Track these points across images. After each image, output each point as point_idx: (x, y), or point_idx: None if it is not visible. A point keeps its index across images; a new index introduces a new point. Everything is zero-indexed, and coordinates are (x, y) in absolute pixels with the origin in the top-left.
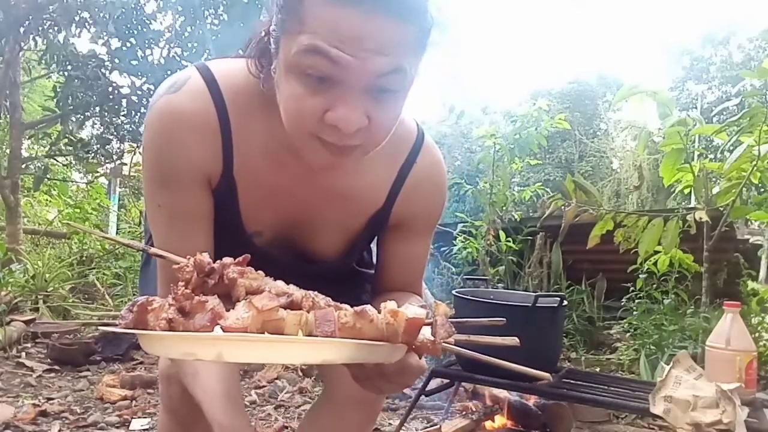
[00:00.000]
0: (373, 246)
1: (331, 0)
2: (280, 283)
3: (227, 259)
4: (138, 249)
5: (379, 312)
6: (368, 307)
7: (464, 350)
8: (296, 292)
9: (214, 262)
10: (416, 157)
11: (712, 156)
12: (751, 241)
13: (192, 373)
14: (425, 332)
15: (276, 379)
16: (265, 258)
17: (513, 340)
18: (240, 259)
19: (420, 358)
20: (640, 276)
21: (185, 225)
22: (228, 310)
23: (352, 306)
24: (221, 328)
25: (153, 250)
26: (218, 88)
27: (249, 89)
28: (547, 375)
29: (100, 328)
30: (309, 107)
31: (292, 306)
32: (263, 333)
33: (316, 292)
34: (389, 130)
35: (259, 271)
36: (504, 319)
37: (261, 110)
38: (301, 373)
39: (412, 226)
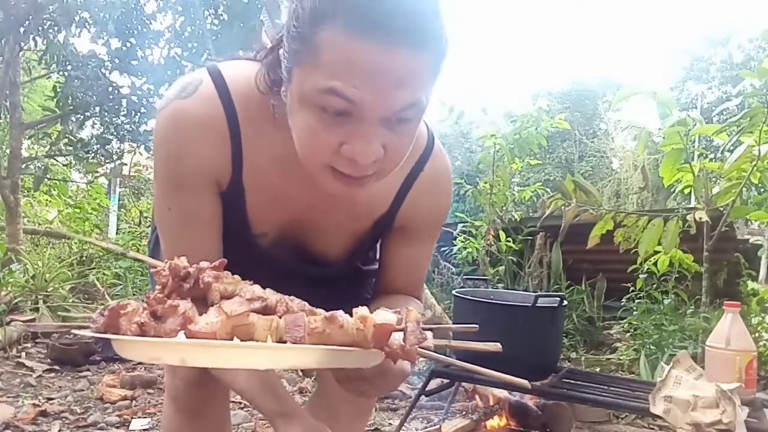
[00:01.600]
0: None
1: (346, 35)
2: (257, 288)
3: (203, 263)
4: (117, 253)
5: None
6: (339, 312)
7: (440, 356)
8: (271, 297)
9: (191, 266)
10: (425, 162)
11: (712, 156)
12: (751, 241)
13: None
14: (398, 338)
15: None
16: (268, 259)
17: (495, 346)
18: (216, 263)
19: (395, 363)
20: (640, 276)
21: (195, 228)
22: (203, 315)
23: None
24: (188, 332)
25: (131, 254)
26: (229, 94)
27: (260, 96)
28: (524, 382)
29: (73, 330)
30: (324, 141)
31: (266, 311)
32: (232, 338)
33: (292, 297)
34: (404, 156)
35: (235, 276)
36: (477, 325)
37: (271, 118)
38: (301, 373)
39: (415, 229)
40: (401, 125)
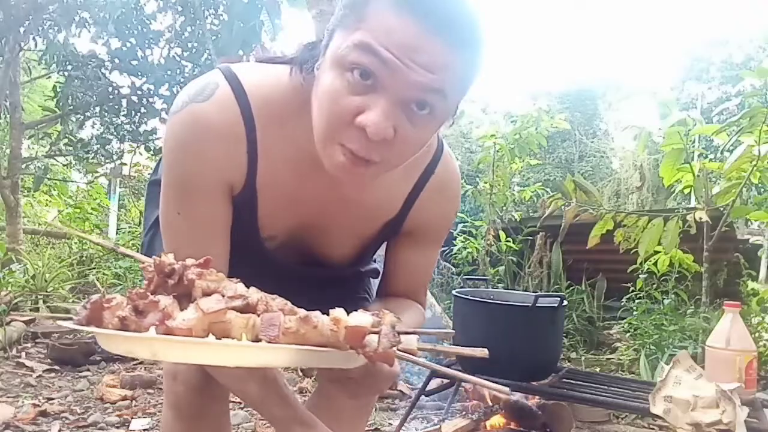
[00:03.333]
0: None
1: (396, 7)
2: (240, 286)
3: (189, 261)
4: (108, 249)
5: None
6: (314, 313)
7: (422, 360)
8: (253, 295)
9: (224, 275)
10: (435, 168)
11: (712, 156)
12: (751, 241)
13: (241, 378)
14: (374, 340)
15: None
16: (271, 262)
17: (482, 352)
18: (202, 260)
19: (373, 365)
20: (640, 276)
21: (204, 233)
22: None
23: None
24: (165, 328)
25: (122, 249)
26: (246, 98)
27: (277, 100)
28: (505, 389)
29: (59, 322)
30: (344, 104)
31: (247, 309)
32: (208, 334)
33: (274, 296)
34: (411, 154)
35: (220, 274)
36: (453, 331)
37: (287, 122)
38: (301, 373)
39: (422, 234)
40: (418, 114)
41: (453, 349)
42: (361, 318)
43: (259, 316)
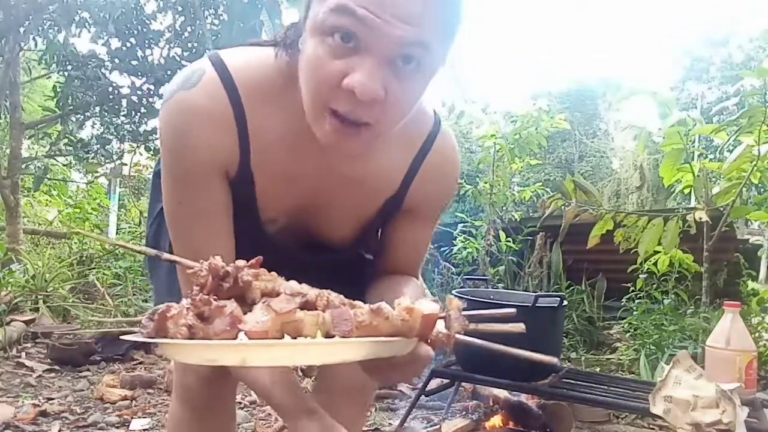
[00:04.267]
0: None
1: None
2: (293, 284)
3: (240, 262)
4: (151, 255)
5: (393, 308)
6: (383, 304)
7: (476, 340)
8: (310, 292)
9: (231, 262)
10: (432, 143)
11: (712, 156)
12: (751, 241)
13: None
14: (438, 325)
15: None
16: (273, 246)
17: (519, 326)
18: (253, 261)
19: (434, 350)
20: (640, 276)
21: (207, 221)
22: (244, 313)
23: (355, 298)
24: (244, 333)
25: (166, 256)
26: (232, 81)
27: (263, 80)
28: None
29: (123, 337)
30: (329, 69)
31: (307, 306)
32: (282, 335)
33: (329, 291)
34: (404, 113)
35: (272, 273)
36: (514, 309)
37: (276, 101)
38: (301, 374)
39: (420, 211)
40: (405, 70)
41: (491, 327)
42: (430, 305)
43: (323, 312)
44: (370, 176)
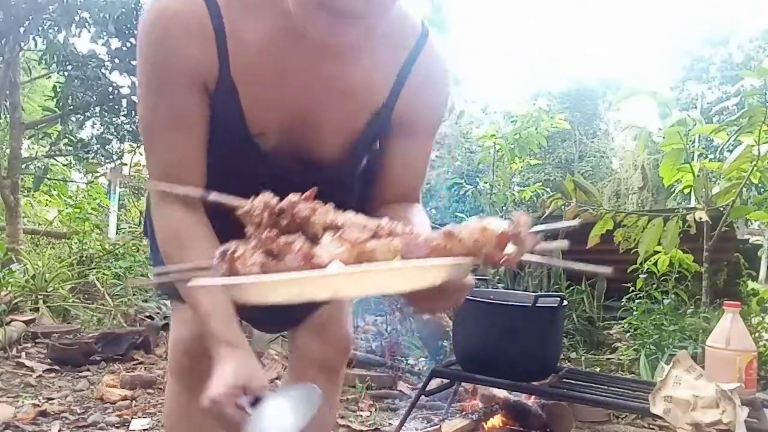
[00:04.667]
0: None
1: None
2: (350, 214)
3: (293, 196)
4: (203, 197)
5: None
6: (454, 226)
7: (540, 258)
8: (369, 222)
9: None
10: (420, 51)
11: (712, 156)
12: (751, 241)
13: (200, 289)
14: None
15: (276, 379)
16: (267, 164)
17: (564, 243)
18: (308, 193)
19: (498, 266)
20: (640, 276)
21: (179, 130)
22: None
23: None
24: (312, 266)
25: (213, 196)
26: None
27: None
28: (607, 270)
29: (194, 281)
30: None
31: (375, 235)
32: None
33: (386, 218)
34: (391, 1)
35: (328, 204)
36: (576, 221)
37: (256, 6)
38: None
39: (413, 125)
40: None
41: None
42: (501, 223)
43: (392, 240)
44: (359, 86)
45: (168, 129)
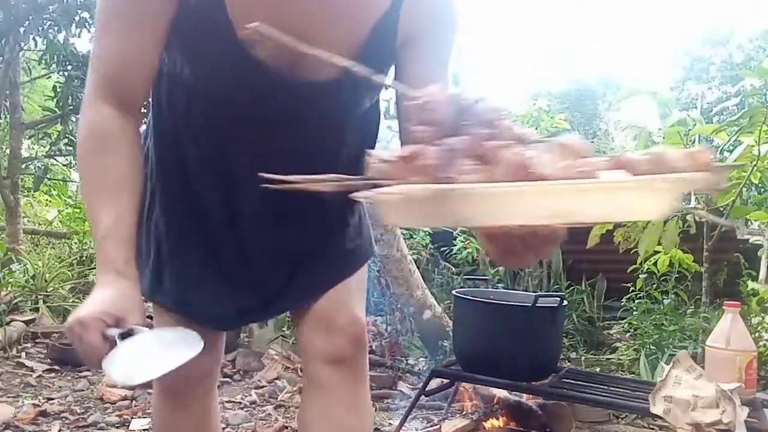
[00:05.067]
0: None
1: None
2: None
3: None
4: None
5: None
6: (664, 151)
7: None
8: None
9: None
10: None
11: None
12: (751, 241)
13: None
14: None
15: (276, 379)
16: (264, 77)
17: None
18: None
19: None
20: (640, 276)
21: (137, 22)
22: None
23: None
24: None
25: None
26: None
27: None
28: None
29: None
30: None
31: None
32: None
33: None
34: None
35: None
36: None
37: None
38: (300, 373)
39: (424, 37)
40: None
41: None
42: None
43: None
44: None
45: (125, 17)
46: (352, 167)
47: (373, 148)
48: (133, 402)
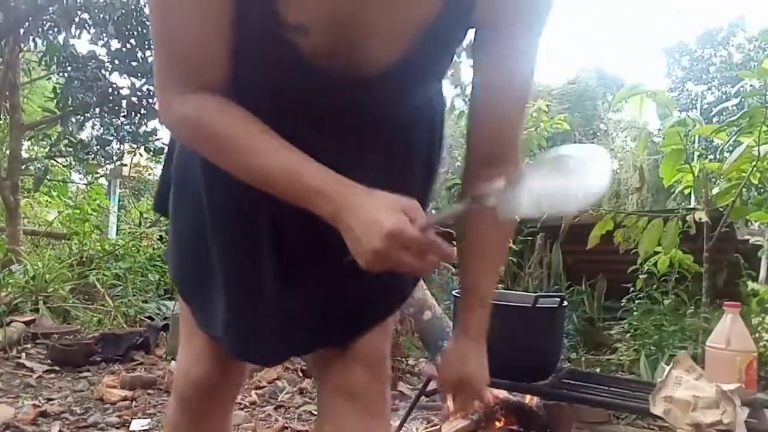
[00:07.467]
0: None
1: None
2: None
3: None
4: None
5: None
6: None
7: None
8: None
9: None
10: None
11: (712, 156)
12: (751, 241)
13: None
14: None
15: (276, 379)
16: (309, 70)
17: None
18: None
19: None
20: (640, 276)
21: (202, 8)
22: None
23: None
24: None
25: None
26: None
27: None
28: None
29: None
30: None
31: None
32: None
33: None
34: None
35: None
36: None
37: None
38: (301, 374)
39: (507, 18)
40: None
41: None
42: None
43: None
44: None
45: (188, 6)
46: (423, 162)
47: (440, 138)
48: (133, 403)
